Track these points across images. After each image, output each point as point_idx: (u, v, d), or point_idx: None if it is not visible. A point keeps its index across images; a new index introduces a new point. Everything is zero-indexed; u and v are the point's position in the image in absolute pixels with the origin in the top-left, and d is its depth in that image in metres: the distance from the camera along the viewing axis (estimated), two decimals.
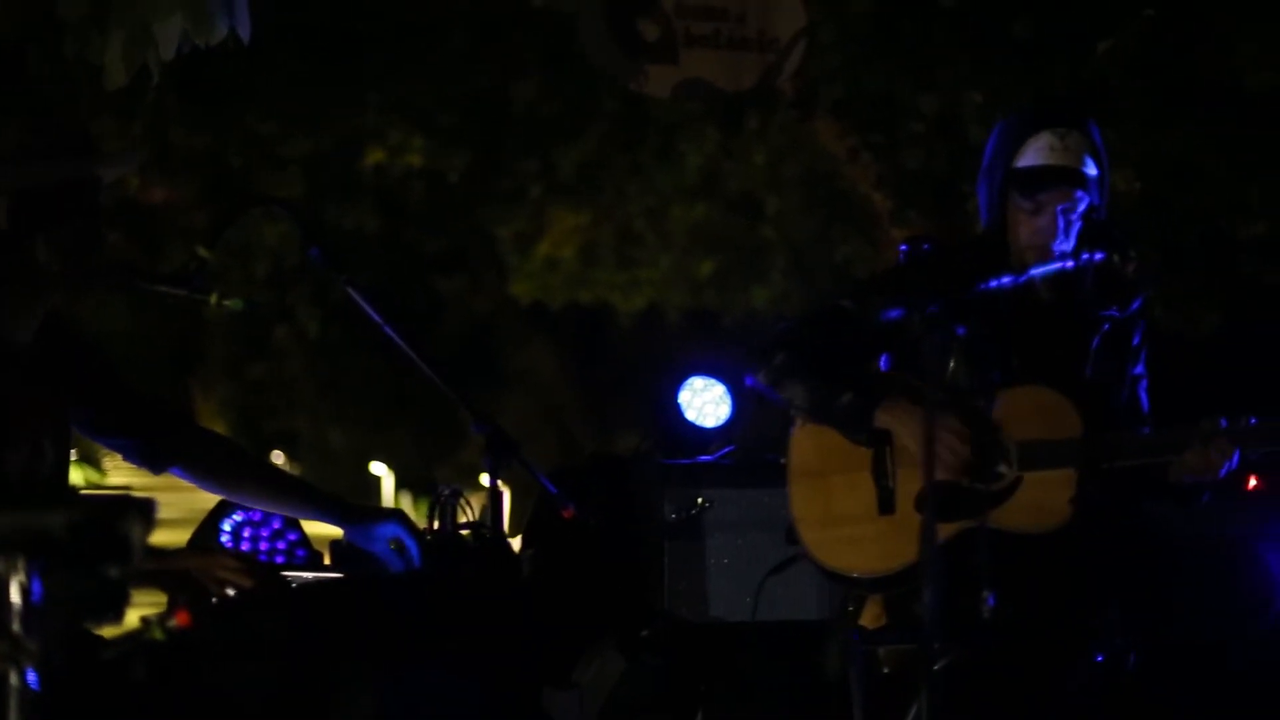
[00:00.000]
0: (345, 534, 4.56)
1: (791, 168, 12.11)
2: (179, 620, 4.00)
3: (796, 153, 11.97)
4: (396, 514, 4.63)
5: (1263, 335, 11.37)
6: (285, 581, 4.44)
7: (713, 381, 8.06)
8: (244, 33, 5.32)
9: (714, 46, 8.09)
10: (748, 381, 5.11)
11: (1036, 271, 4.85)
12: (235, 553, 4.70)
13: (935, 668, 4.36)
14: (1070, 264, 4.86)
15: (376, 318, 4.62)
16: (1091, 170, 4.93)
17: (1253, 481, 7.64)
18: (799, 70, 8.76)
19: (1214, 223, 11.19)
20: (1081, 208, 4.92)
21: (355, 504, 4.67)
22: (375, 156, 12.09)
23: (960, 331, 4.34)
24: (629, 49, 8.04)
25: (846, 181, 12.00)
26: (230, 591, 4.24)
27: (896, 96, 11.10)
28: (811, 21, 8.61)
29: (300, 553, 5.29)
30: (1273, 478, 7.55)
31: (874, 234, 12.08)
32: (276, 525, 5.84)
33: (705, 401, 8.07)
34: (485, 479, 4.86)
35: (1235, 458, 4.76)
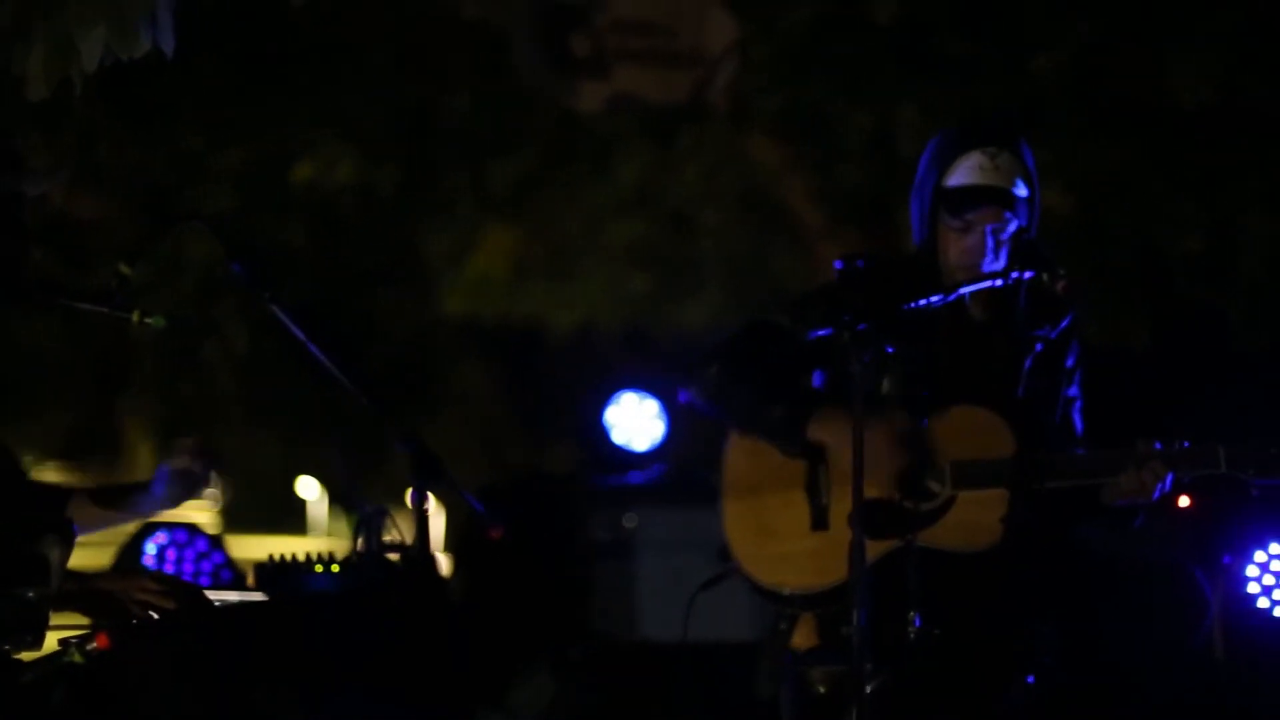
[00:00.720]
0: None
1: (726, 183, 12.07)
2: (99, 643, 3.94)
3: (731, 168, 11.93)
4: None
5: (1195, 353, 11.40)
6: (208, 603, 4.37)
7: (645, 398, 8.04)
8: (167, 46, 5.24)
9: (645, 61, 8.07)
10: (681, 396, 5.07)
11: (966, 290, 4.83)
12: (158, 574, 4.62)
13: (865, 689, 4.34)
14: (1000, 282, 4.83)
15: (300, 334, 4.55)
16: (1022, 191, 4.91)
17: (1184, 502, 7.66)
18: (731, 84, 8.74)
19: (1148, 239, 11.21)
20: (1011, 228, 4.89)
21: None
22: (305, 171, 12.01)
23: (890, 350, 4.31)
24: (560, 64, 8.01)
25: (781, 197, 11.98)
26: (152, 613, 4.17)
27: (830, 112, 11.09)
28: (746, 36, 8.60)
29: (225, 574, 5.22)
30: (1204, 498, 7.55)
31: (809, 249, 12.05)
32: (202, 546, 5.78)
33: (637, 420, 8.05)
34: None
35: (1169, 480, 4.74)
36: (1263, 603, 7.44)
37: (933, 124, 10.24)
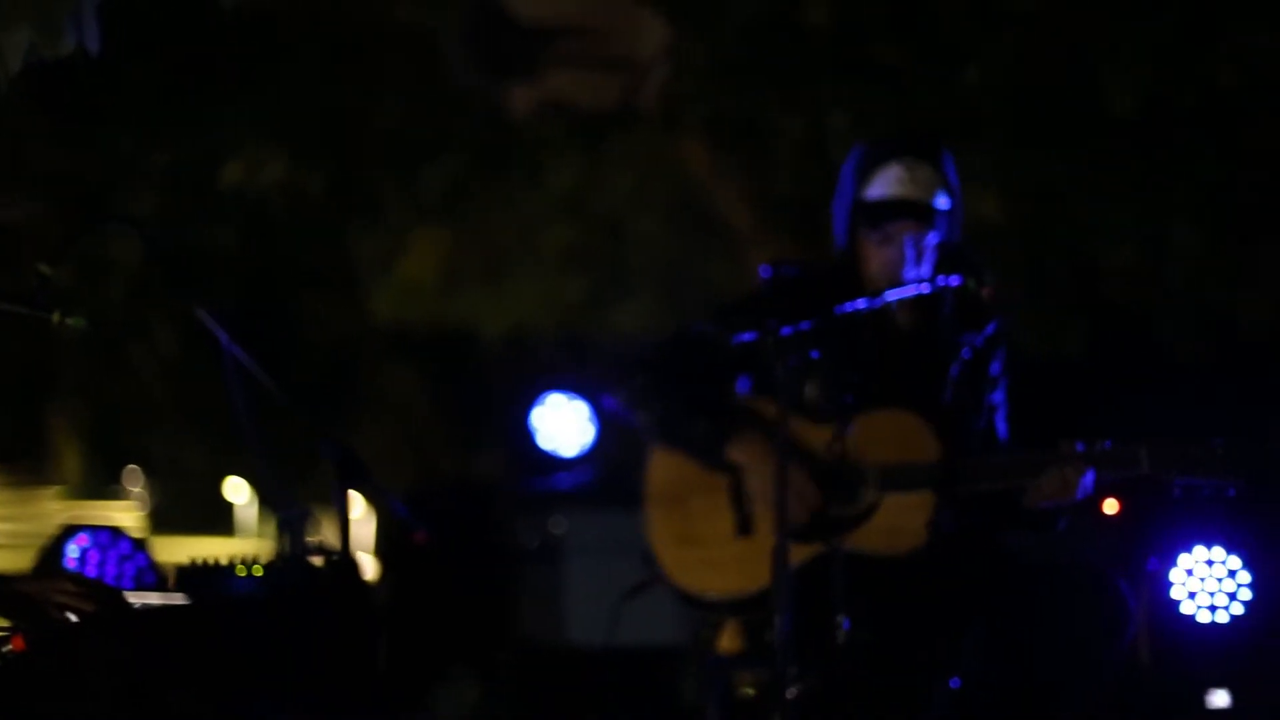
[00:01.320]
0: None
1: (658, 189, 12.06)
2: (14, 646, 3.90)
3: (663, 174, 11.93)
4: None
5: (1126, 361, 11.47)
6: (127, 605, 4.33)
7: (574, 401, 8.02)
8: (92, 45, 5.21)
9: (576, 66, 8.05)
10: (606, 404, 5.07)
11: (892, 295, 4.84)
12: (77, 576, 4.57)
13: (789, 694, 4.33)
14: (927, 287, 4.84)
15: (222, 336, 4.53)
16: (942, 203, 4.91)
17: (1111, 507, 7.70)
18: (663, 90, 8.73)
19: (1079, 247, 11.27)
20: (931, 239, 4.90)
21: None
22: (233, 173, 11.94)
23: (815, 355, 4.31)
24: (491, 67, 7.99)
25: (713, 203, 11.98)
26: (70, 616, 4.13)
27: (762, 119, 11.10)
28: (678, 42, 8.59)
29: (149, 576, 5.18)
30: (1130, 504, 7.59)
31: (740, 256, 12.06)
32: (125, 549, 5.73)
33: (566, 424, 8.03)
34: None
35: (1090, 482, 4.76)
36: (1187, 607, 7.49)
37: (864, 132, 10.26)
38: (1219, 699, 7.37)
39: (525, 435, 8.03)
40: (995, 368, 5.09)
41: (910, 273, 4.87)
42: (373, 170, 12.17)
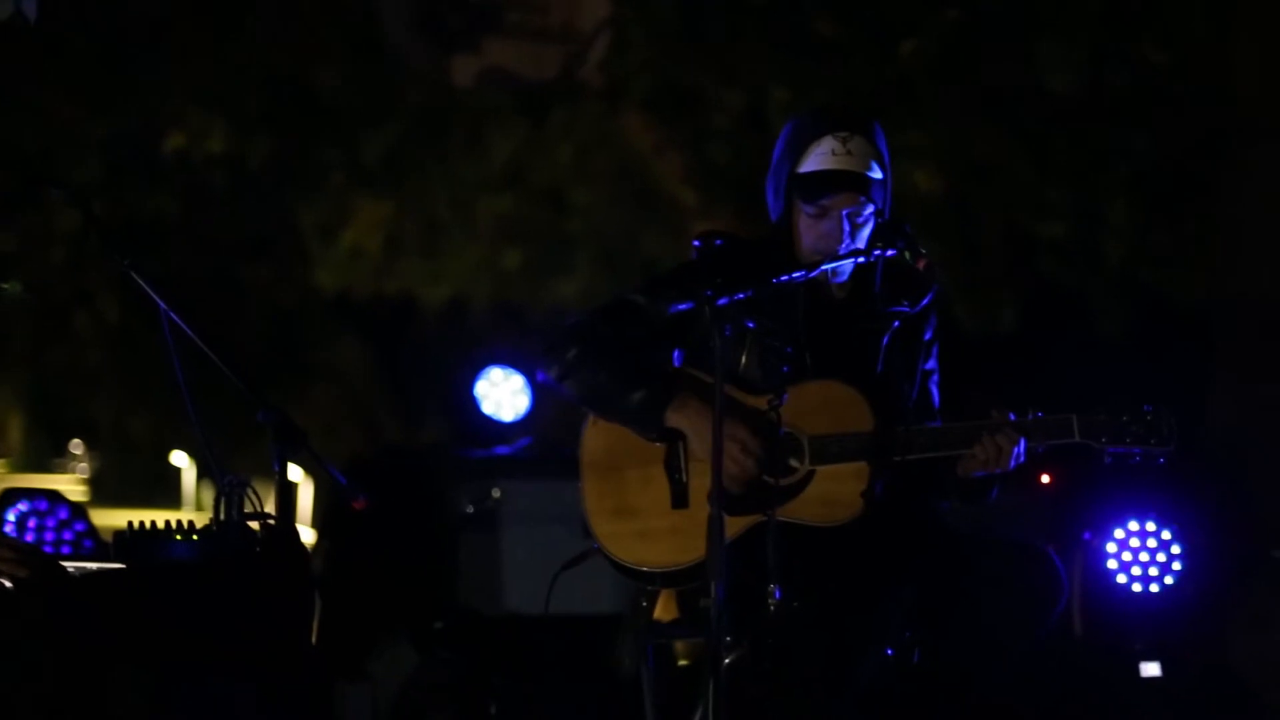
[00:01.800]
0: None
1: (599, 161, 12.09)
2: None
3: (604, 146, 11.95)
4: None
5: (1059, 334, 11.55)
6: (63, 571, 4.33)
7: (512, 373, 8.04)
8: (30, 12, 5.20)
9: (517, 36, 8.05)
10: (539, 376, 5.06)
11: (829, 265, 4.86)
12: (14, 542, 4.57)
13: (724, 661, 4.37)
14: (863, 258, 4.87)
15: (161, 303, 4.53)
16: (876, 174, 4.94)
17: (1045, 479, 7.78)
18: (603, 62, 8.75)
19: (1014, 222, 11.35)
20: (867, 212, 4.93)
21: None
22: (176, 141, 11.91)
23: (750, 325, 4.34)
24: (432, 37, 7.98)
25: (654, 175, 12.02)
26: (4, 582, 4.13)
27: (703, 92, 11.13)
28: (619, 15, 8.61)
29: (87, 543, 5.18)
30: (1064, 476, 7.67)
31: (680, 228, 12.09)
32: (63, 515, 5.72)
33: (504, 393, 8.05)
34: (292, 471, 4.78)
35: (1022, 450, 4.80)
36: (1121, 578, 7.58)
37: (804, 104, 10.31)
38: (1151, 669, 7.45)
39: (465, 404, 8.04)
40: (928, 334, 5.13)
41: (845, 245, 4.90)
42: (314, 140, 12.16)
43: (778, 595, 4.41)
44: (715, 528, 4.21)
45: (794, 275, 4.75)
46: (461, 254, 12.80)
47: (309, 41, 11.34)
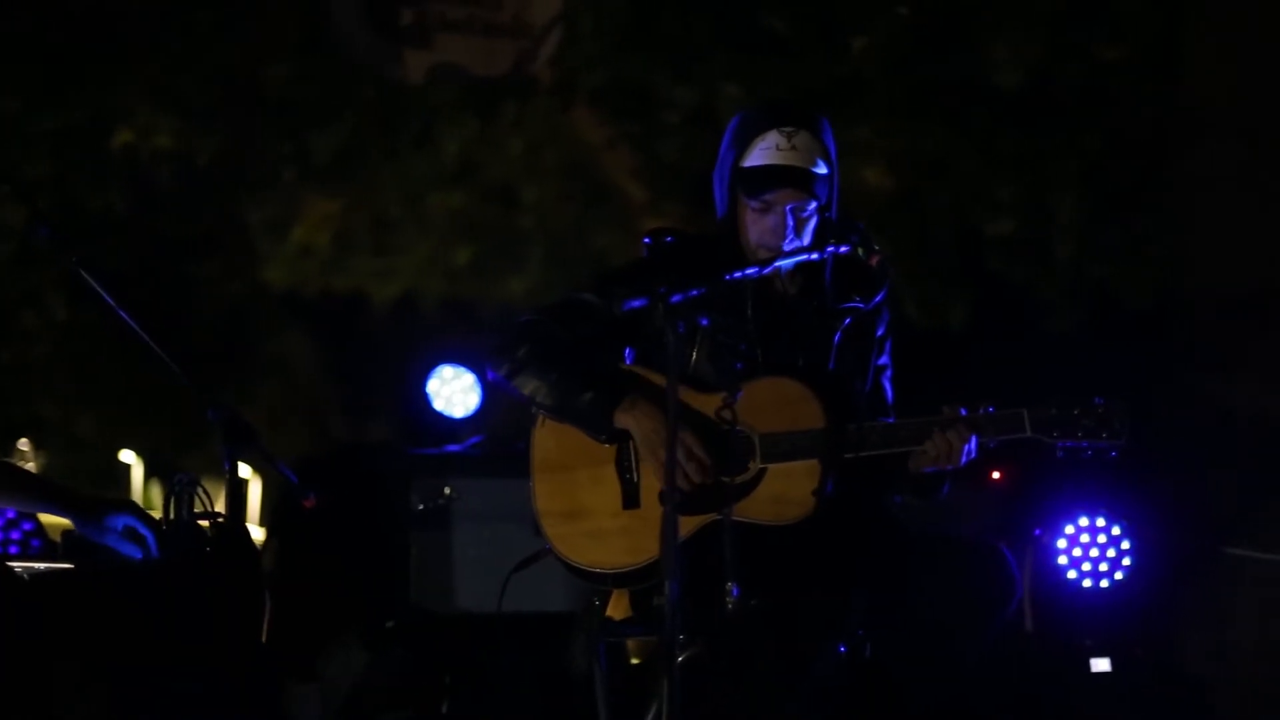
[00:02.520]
0: (75, 525, 4.42)
1: (549, 157, 12.07)
2: None
3: (555, 142, 11.94)
4: (129, 503, 4.50)
5: (1009, 332, 11.57)
6: (12, 572, 4.30)
7: (462, 370, 8.02)
8: None
9: (468, 32, 8.02)
10: (489, 375, 5.04)
11: (782, 262, 4.86)
12: None
13: (678, 659, 4.36)
14: (816, 255, 4.87)
15: (110, 301, 4.50)
16: (821, 169, 4.93)
17: (996, 475, 7.80)
18: (555, 58, 8.73)
19: (964, 219, 11.37)
20: (811, 207, 4.92)
21: (85, 494, 4.53)
22: (124, 137, 11.84)
23: (704, 322, 4.33)
24: (383, 32, 7.95)
25: (604, 172, 12.00)
26: None
27: (654, 88, 11.12)
28: (570, 10, 8.59)
29: (35, 543, 5.14)
30: (1015, 472, 7.69)
31: (631, 225, 12.09)
32: (10, 515, 5.66)
33: (454, 391, 8.03)
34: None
35: (974, 446, 4.80)
36: (1071, 574, 7.60)
37: (755, 101, 10.31)
38: (1101, 664, 7.47)
39: (416, 401, 8.02)
40: (880, 330, 5.13)
41: (790, 241, 4.89)
42: (263, 136, 12.10)
43: (735, 593, 4.40)
44: (669, 526, 4.20)
45: (747, 272, 4.75)
46: (412, 250, 12.77)
47: (259, 37, 11.29)
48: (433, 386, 7.96)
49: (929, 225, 11.28)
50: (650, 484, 4.85)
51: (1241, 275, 8.25)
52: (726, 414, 4.67)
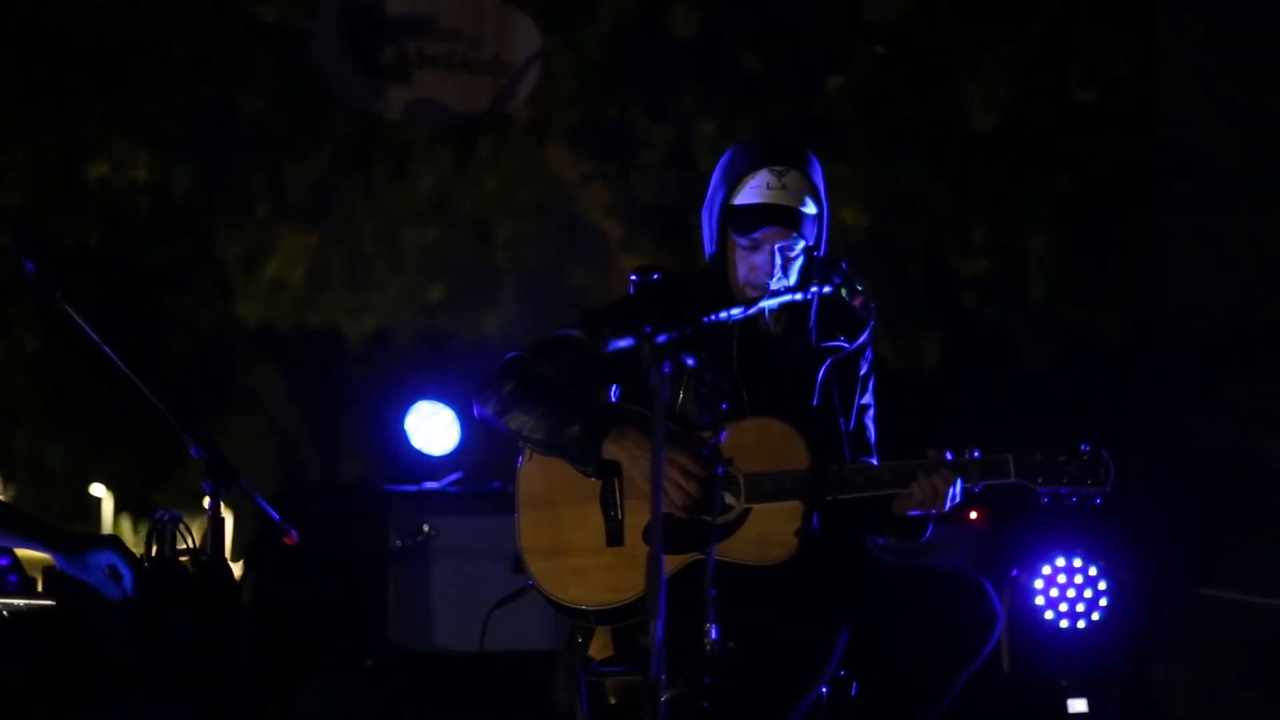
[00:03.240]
0: (58, 562, 4.40)
1: (524, 193, 12.10)
2: None
3: (530, 178, 11.96)
4: (112, 540, 4.48)
5: (981, 369, 11.60)
6: None
7: (441, 407, 8.00)
8: None
9: (448, 68, 8.02)
10: (475, 411, 5.03)
11: (768, 303, 4.87)
12: None
13: (661, 699, 4.34)
14: (800, 295, 4.88)
15: (94, 335, 4.49)
16: (810, 209, 4.94)
17: (973, 515, 7.81)
18: (533, 95, 8.73)
19: (937, 257, 11.40)
20: (799, 247, 4.93)
21: (68, 531, 4.52)
22: (99, 169, 11.82)
23: (690, 362, 4.33)
24: (362, 67, 7.95)
25: (579, 208, 12.02)
26: None
27: (630, 125, 11.14)
28: (547, 48, 8.59)
29: (11, 578, 5.09)
30: (992, 512, 7.70)
31: (605, 261, 12.10)
32: None
33: (433, 427, 8.01)
34: (207, 503, 4.75)
35: (959, 490, 4.80)
36: (1048, 615, 7.61)
37: (730, 139, 10.33)
38: (1078, 705, 7.48)
39: (394, 438, 8.01)
40: (863, 369, 5.14)
41: (778, 279, 4.90)
42: (239, 170, 12.09)
43: (713, 635, 4.39)
44: (654, 565, 4.19)
45: (732, 312, 4.75)
46: (386, 286, 12.77)
47: (236, 70, 11.28)
48: (411, 423, 7.95)
49: (902, 264, 11.32)
50: (634, 522, 4.84)
51: (1216, 315, 8.27)
52: (714, 454, 4.67)
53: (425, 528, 7.18)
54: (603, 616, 4.87)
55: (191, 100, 11.55)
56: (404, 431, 7.94)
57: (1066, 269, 11.03)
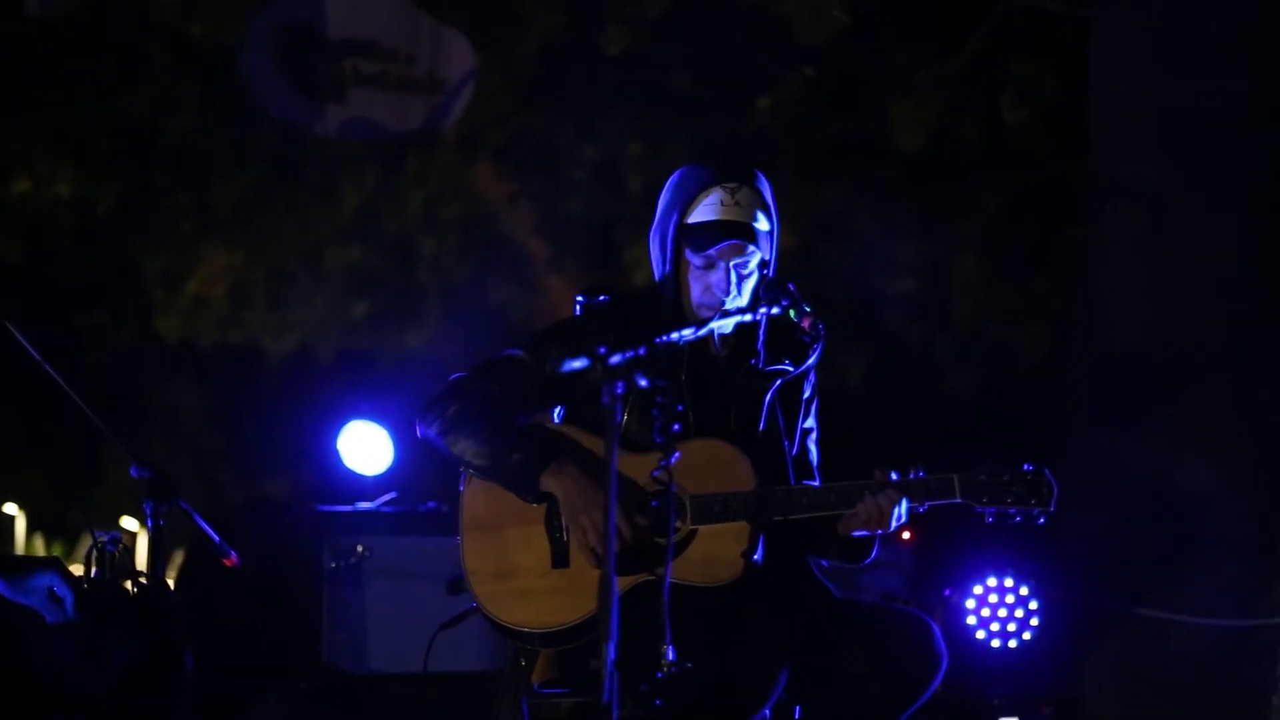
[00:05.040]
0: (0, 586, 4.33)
1: (450, 211, 12.04)
2: None
3: (455, 196, 11.91)
4: (53, 563, 4.42)
5: (905, 389, 11.65)
6: None
7: (374, 426, 7.96)
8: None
9: (382, 86, 7.99)
10: (419, 432, 4.98)
11: (718, 324, 4.86)
12: None
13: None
14: (750, 316, 4.87)
15: (37, 356, 4.44)
16: (763, 225, 4.96)
17: (906, 535, 7.84)
18: (461, 113, 8.70)
19: (863, 278, 11.44)
20: (754, 262, 4.94)
21: (6, 554, 4.45)
22: (21, 185, 11.69)
23: (644, 383, 4.32)
24: (295, 85, 7.90)
25: (505, 226, 11.98)
26: None
27: (558, 144, 11.13)
28: (481, 67, 8.56)
29: None
30: (924, 529, 7.73)
31: (530, 280, 12.07)
32: None
33: (366, 447, 7.96)
34: (126, 522, 4.70)
35: (904, 510, 4.80)
36: (980, 634, 7.64)
37: (659, 158, 10.35)
38: None
39: (321, 457, 7.96)
40: (806, 392, 5.14)
41: (731, 300, 4.90)
42: (163, 187, 11.99)
43: (671, 656, 4.36)
44: (607, 587, 4.16)
45: (683, 332, 4.73)
46: (309, 303, 12.67)
47: (161, 89, 11.19)
48: (343, 443, 7.90)
49: (828, 283, 11.34)
50: (578, 545, 4.82)
51: (1145, 336, 8.31)
52: (662, 475, 4.65)
53: (359, 548, 7.13)
54: (548, 639, 4.84)
55: (118, 117, 11.45)
56: (334, 451, 7.89)
57: (993, 289, 11.08)
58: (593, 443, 4.86)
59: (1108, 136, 8.66)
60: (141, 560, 5.14)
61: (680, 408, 4.90)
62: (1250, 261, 8.30)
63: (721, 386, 4.98)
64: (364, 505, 7.48)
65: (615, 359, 4.19)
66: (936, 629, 4.90)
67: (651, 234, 5.06)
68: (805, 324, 4.86)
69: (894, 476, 4.83)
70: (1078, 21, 9.39)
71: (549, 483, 4.79)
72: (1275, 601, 7.88)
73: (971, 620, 7.61)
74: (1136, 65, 8.54)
